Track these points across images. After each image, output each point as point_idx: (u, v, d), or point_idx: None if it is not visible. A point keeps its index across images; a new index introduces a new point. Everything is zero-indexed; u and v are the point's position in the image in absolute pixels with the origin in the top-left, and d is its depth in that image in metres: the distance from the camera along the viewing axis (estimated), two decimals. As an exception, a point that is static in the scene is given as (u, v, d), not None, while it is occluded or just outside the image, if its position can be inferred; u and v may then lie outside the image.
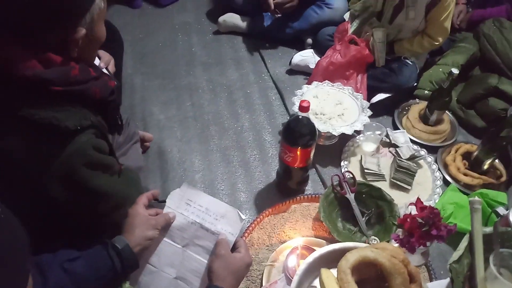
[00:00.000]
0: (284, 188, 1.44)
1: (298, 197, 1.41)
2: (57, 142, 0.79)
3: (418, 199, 1.17)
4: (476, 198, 0.94)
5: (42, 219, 0.89)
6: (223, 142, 1.65)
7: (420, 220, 1.12)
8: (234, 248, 0.90)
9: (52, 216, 0.90)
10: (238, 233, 0.92)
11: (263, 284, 1.18)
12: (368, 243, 1.10)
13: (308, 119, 1.27)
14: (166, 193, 1.39)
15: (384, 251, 0.86)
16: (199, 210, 0.95)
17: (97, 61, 1.25)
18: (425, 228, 1.11)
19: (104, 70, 1.30)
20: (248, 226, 1.33)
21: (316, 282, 0.86)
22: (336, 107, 1.59)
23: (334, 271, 0.84)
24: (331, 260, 0.89)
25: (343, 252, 0.87)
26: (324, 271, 0.84)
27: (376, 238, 1.18)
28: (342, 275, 0.81)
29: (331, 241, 1.26)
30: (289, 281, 1.17)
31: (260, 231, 1.33)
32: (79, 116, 0.81)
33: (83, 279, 0.76)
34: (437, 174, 1.53)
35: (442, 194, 1.46)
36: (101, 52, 1.32)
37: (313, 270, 0.88)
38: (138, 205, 0.90)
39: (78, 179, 0.84)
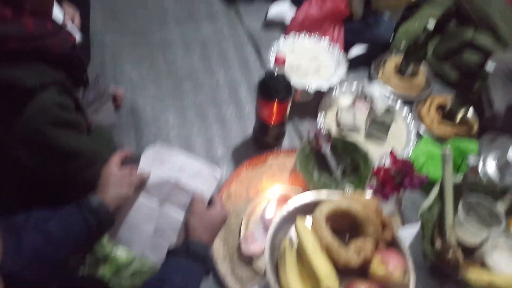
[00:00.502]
0: (261, 144, 1.44)
1: (275, 151, 1.40)
2: (17, 102, 0.75)
3: (392, 151, 1.18)
4: (448, 149, 0.95)
5: (11, 184, 0.86)
6: (197, 98, 1.61)
7: (393, 171, 1.13)
8: (210, 204, 0.89)
9: (22, 180, 0.87)
10: (214, 189, 0.91)
11: (241, 235, 1.20)
12: (343, 191, 1.11)
13: (284, 73, 1.24)
14: (140, 151, 1.37)
15: (358, 201, 0.87)
16: (174, 168, 0.93)
17: (61, 15, 1.17)
18: (398, 178, 1.13)
19: (70, 24, 1.23)
20: (226, 181, 1.33)
21: (292, 232, 0.87)
22: (312, 61, 1.56)
23: (309, 219, 0.85)
24: (306, 211, 0.90)
25: (317, 203, 0.87)
26: (299, 221, 0.85)
27: (351, 184, 1.19)
28: (316, 224, 0.82)
29: (308, 193, 1.28)
30: (266, 231, 1.19)
31: (238, 185, 1.33)
32: (39, 73, 0.77)
33: (58, 239, 0.74)
34: (412, 126, 1.54)
35: (415, 145, 1.48)
36: (66, 5, 1.24)
37: (288, 220, 0.89)
38: (111, 164, 0.87)
39: (44, 139, 0.80)
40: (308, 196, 0.90)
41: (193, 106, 1.58)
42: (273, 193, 1.29)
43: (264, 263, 1.15)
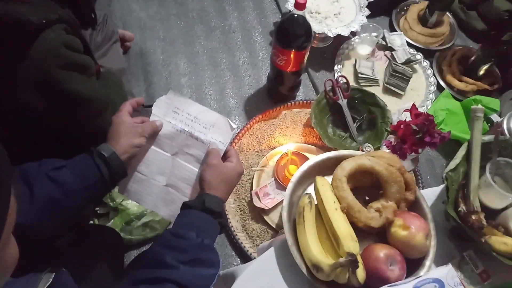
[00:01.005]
0: (275, 94, 1.37)
1: (289, 103, 1.34)
2: (22, 41, 0.68)
3: (413, 105, 1.11)
4: (479, 106, 0.88)
5: (21, 132, 0.81)
6: (209, 43, 1.52)
7: (414, 127, 1.08)
8: (225, 158, 0.84)
9: (32, 129, 0.82)
10: (229, 142, 0.86)
11: (253, 188, 1.18)
12: (362, 151, 1.06)
13: (304, 18, 1.14)
14: (151, 98, 1.33)
15: (381, 159, 0.82)
16: (188, 118, 0.87)
17: None
18: (419, 135, 1.08)
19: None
20: (238, 133, 1.28)
21: (311, 189, 0.83)
22: (332, 5, 1.45)
23: (328, 179, 0.81)
24: (326, 168, 0.85)
25: (338, 160, 0.83)
26: (319, 179, 0.80)
27: (370, 145, 1.14)
28: (337, 183, 0.78)
29: (321, 147, 1.24)
30: (278, 185, 1.17)
31: (250, 137, 1.29)
32: (44, 8, 0.70)
33: (71, 188, 0.71)
34: (432, 79, 1.46)
35: (434, 100, 1.41)
36: None
37: (307, 178, 0.84)
38: (122, 113, 0.80)
39: (53, 82, 0.75)
40: (329, 153, 0.85)
41: (205, 52, 1.49)
42: (286, 147, 1.24)
43: (276, 218, 1.14)
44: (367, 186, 0.83)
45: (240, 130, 1.29)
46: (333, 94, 1.29)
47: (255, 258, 1.08)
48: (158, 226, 1.10)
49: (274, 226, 1.13)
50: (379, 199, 0.81)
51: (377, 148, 1.21)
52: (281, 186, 1.16)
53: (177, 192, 0.87)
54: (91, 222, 1.09)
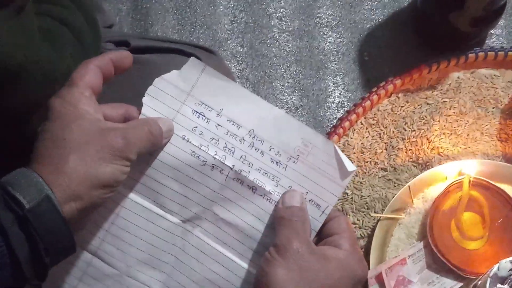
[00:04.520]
0: (436, 30, 0.91)
1: (470, 54, 0.89)
2: None
3: None
4: None
5: None
6: None
7: None
8: (323, 235, 0.61)
9: None
10: (336, 202, 0.63)
11: (371, 262, 0.79)
12: None
13: None
14: (146, 28, 1.00)
15: None
16: (232, 135, 0.62)
17: None
18: None
19: None
20: (342, 117, 0.86)
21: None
22: None
23: None
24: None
25: None
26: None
27: None
28: None
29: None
30: (434, 261, 0.78)
31: (368, 131, 0.88)
32: None
33: None
34: None
35: None
36: None
37: None
38: (78, 90, 0.56)
39: None
40: None
41: None
42: (461, 166, 0.83)
43: None
44: None
45: (348, 111, 0.87)
46: None
47: None
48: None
49: None
50: None
51: None
52: (442, 265, 0.77)
53: None
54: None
